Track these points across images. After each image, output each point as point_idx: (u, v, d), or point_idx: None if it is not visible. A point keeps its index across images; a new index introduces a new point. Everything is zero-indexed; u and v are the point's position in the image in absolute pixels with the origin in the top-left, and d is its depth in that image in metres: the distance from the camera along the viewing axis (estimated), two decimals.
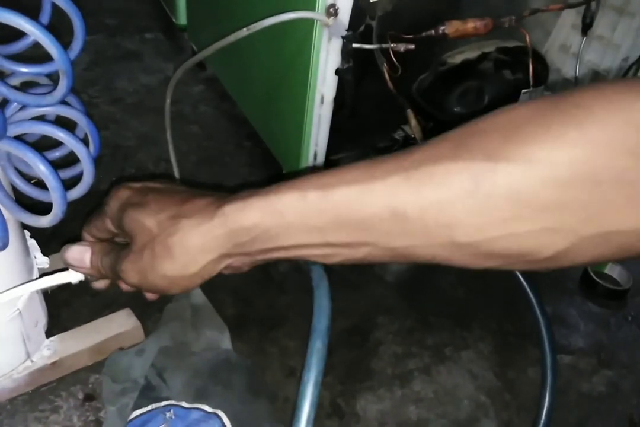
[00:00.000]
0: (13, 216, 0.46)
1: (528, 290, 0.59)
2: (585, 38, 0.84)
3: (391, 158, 0.33)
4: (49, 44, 0.40)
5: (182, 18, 1.02)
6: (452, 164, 0.30)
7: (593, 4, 0.82)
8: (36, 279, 0.52)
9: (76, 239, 0.52)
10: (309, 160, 0.74)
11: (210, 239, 0.36)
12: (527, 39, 0.72)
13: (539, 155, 0.28)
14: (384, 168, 0.32)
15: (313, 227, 0.33)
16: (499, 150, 0.29)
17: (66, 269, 0.51)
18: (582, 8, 0.82)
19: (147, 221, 0.38)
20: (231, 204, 0.35)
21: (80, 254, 0.44)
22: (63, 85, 0.43)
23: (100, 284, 0.49)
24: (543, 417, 0.53)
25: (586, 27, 0.84)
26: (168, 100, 0.70)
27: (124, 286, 0.48)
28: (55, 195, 0.43)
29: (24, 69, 0.48)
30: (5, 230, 0.43)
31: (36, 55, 0.46)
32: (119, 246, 0.42)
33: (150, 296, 0.48)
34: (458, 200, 0.29)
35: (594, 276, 0.69)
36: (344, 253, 0.34)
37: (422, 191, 0.30)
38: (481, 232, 0.30)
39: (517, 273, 0.59)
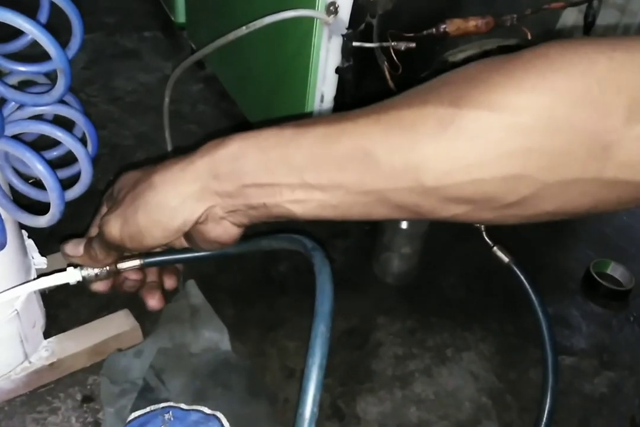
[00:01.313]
0: (10, 215, 0.46)
1: (530, 290, 0.59)
2: (587, 37, 0.83)
3: (365, 107, 0.34)
4: (47, 43, 0.39)
5: (180, 16, 1.02)
6: (420, 109, 0.31)
7: (595, 3, 0.82)
8: (34, 279, 0.52)
9: (75, 238, 0.52)
10: None
11: (191, 169, 0.37)
12: (529, 38, 0.72)
13: (502, 102, 0.29)
14: (357, 112, 0.34)
15: (289, 164, 0.34)
16: (465, 97, 0.30)
17: (64, 269, 0.50)
18: (584, 7, 0.82)
19: (131, 173, 0.42)
20: (211, 141, 0.37)
21: (76, 244, 0.47)
22: (61, 84, 0.42)
23: (99, 286, 0.49)
24: (544, 419, 0.52)
25: (588, 26, 0.83)
26: (167, 99, 0.69)
27: (125, 287, 0.47)
28: (53, 195, 0.42)
29: (21, 68, 0.48)
30: (3, 230, 0.43)
31: (34, 54, 0.45)
32: None
33: (152, 304, 0.48)
34: (425, 144, 0.30)
35: (596, 276, 0.69)
36: (318, 198, 0.35)
37: (390, 133, 0.31)
38: (447, 176, 0.31)
39: (519, 273, 0.59)
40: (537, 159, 0.29)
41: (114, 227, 0.40)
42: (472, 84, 0.30)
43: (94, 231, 0.47)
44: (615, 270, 0.71)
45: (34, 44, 0.42)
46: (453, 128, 0.30)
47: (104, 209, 0.48)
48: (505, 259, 0.58)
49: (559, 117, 0.28)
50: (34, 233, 0.55)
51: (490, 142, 0.29)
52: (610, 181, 0.28)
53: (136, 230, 0.39)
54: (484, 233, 0.59)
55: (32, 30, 0.39)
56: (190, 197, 0.37)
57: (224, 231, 0.41)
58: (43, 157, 0.42)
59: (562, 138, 0.28)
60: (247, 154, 0.35)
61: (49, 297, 0.59)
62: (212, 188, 0.36)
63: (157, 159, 0.82)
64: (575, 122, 0.28)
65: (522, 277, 0.60)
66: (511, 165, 0.29)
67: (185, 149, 0.41)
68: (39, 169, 0.42)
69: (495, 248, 0.59)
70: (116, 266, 0.50)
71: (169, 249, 0.53)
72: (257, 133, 0.36)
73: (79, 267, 0.50)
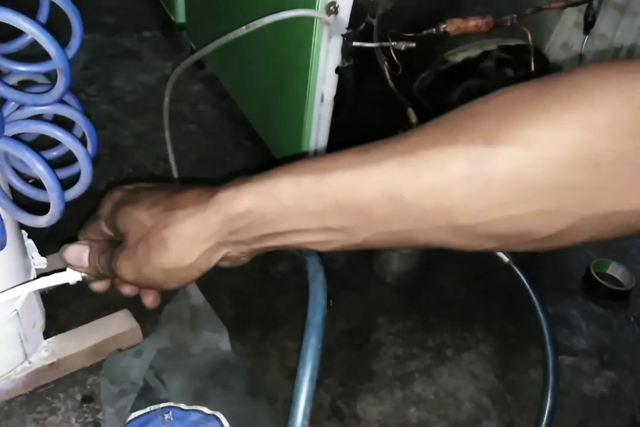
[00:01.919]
0: (10, 215, 0.46)
1: (530, 291, 0.58)
2: (587, 37, 0.83)
3: (386, 143, 0.32)
4: (47, 43, 0.39)
5: (180, 16, 1.01)
6: (449, 147, 0.30)
7: (595, 3, 0.81)
8: (34, 279, 0.52)
9: (74, 239, 0.52)
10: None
11: (205, 227, 0.35)
12: (529, 38, 0.72)
13: (538, 138, 0.28)
14: (379, 153, 0.32)
15: (309, 212, 0.33)
16: (496, 133, 0.29)
17: (64, 269, 0.50)
18: (584, 6, 0.82)
19: (140, 215, 0.37)
20: (224, 192, 0.35)
21: (78, 253, 0.44)
22: (61, 84, 0.42)
23: (99, 286, 0.49)
24: (545, 419, 0.52)
25: (588, 26, 0.83)
26: (166, 99, 0.69)
27: (125, 290, 0.47)
28: (53, 195, 0.42)
29: (21, 68, 0.48)
30: (3, 230, 0.43)
31: (34, 54, 0.45)
32: (115, 244, 0.42)
33: (149, 303, 0.48)
34: (456, 185, 0.29)
35: (596, 276, 0.69)
36: (341, 239, 0.34)
37: (419, 176, 0.30)
38: (480, 215, 0.30)
39: (520, 273, 0.59)
40: (575, 194, 0.28)
41: (129, 274, 0.39)
42: (504, 120, 0.29)
43: (89, 235, 0.46)
44: (616, 270, 0.71)
45: (34, 43, 0.42)
46: (486, 168, 0.29)
47: (93, 225, 0.45)
48: (506, 258, 0.58)
49: (599, 152, 0.27)
50: (33, 233, 0.55)
51: (526, 179, 0.28)
52: None
53: (150, 281, 0.38)
54: None
55: (31, 30, 0.39)
56: (206, 253, 0.35)
57: (235, 262, 0.40)
58: (43, 157, 0.42)
59: (603, 172, 0.27)
60: (263, 207, 0.34)
61: (48, 297, 0.59)
62: (229, 240, 0.36)
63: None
64: (617, 156, 0.27)
65: (522, 277, 0.60)
66: (548, 201, 0.28)
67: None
68: (39, 169, 0.42)
69: None
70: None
71: None
72: (272, 183, 0.34)
73: None
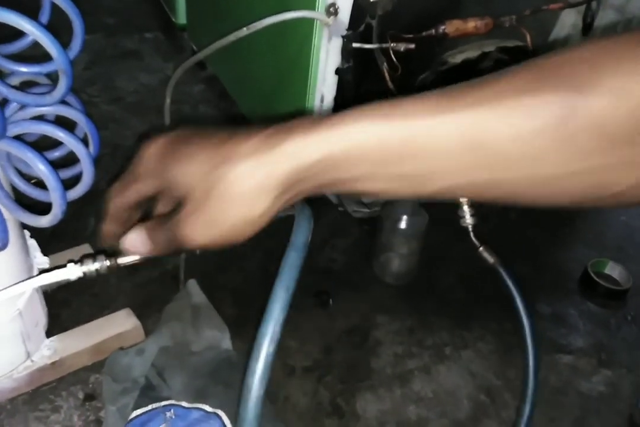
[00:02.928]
0: (13, 215, 0.46)
1: (513, 292, 0.57)
2: (586, 38, 0.84)
3: (470, 88, 0.32)
4: (48, 44, 0.40)
5: (181, 17, 1.02)
6: (539, 95, 0.29)
7: (594, 4, 0.82)
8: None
9: (74, 243, 0.52)
10: None
11: (274, 176, 0.33)
12: (528, 39, 0.72)
13: (630, 88, 0.28)
14: (465, 98, 0.31)
15: (388, 158, 0.32)
16: (588, 81, 0.29)
17: (64, 266, 0.50)
18: (582, 8, 0.82)
19: (199, 170, 0.34)
20: (292, 140, 0.33)
21: (138, 239, 0.39)
22: (62, 84, 0.43)
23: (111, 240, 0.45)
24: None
25: (587, 27, 0.84)
26: (168, 100, 0.69)
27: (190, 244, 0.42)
28: (55, 195, 0.43)
29: (23, 69, 0.48)
30: (5, 230, 0.43)
31: (36, 54, 0.46)
32: (161, 216, 0.38)
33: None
34: (545, 133, 0.29)
35: (593, 275, 0.69)
36: (414, 187, 0.33)
37: (508, 123, 0.30)
38: (565, 165, 0.30)
39: (503, 274, 0.58)
40: None
41: (199, 237, 0.35)
42: (596, 68, 0.29)
43: (115, 208, 0.40)
44: (613, 269, 0.71)
45: (36, 44, 0.42)
46: (577, 115, 0.29)
47: (130, 187, 0.39)
48: (491, 259, 0.58)
49: None
50: (36, 233, 0.56)
51: (611, 128, 0.28)
52: None
53: (225, 239, 0.35)
54: (471, 233, 0.59)
55: (33, 31, 0.39)
56: (273, 202, 0.34)
57: (286, 206, 0.39)
58: (45, 158, 0.42)
59: None
60: (337, 154, 0.32)
61: (51, 296, 0.59)
62: (296, 188, 0.34)
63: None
64: None
65: (506, 279, 0.58)
66: (626, 152, 0.29)
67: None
68: (41, 169, 0.42)
69: (481, 249, 0.58)
70: (116, 261, 0.51)
71: None
72: (349, 128, 0.32)
73: (79, 263, 0.50)
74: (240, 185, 0.33)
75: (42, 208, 0.46)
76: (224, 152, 0.34)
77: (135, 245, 0.39)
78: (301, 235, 0.36)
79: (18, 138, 0.44)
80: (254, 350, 0.32)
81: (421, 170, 0.32)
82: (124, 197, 0.38)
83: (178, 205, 0.36)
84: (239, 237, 0.35)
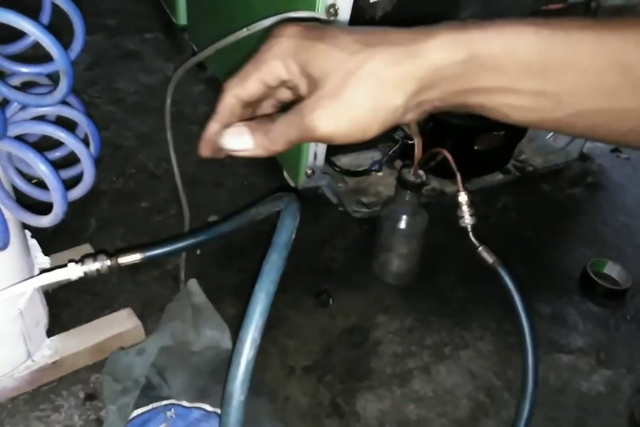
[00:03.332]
0: (14, 215, 0.46)
1: (513, 293, 0.57)
2: None
3: (611, 21, 0.31)
4: (49, 44, 0.40)
5: (182, 18, 1.02)
6: None
7: (593, 4, 0.82)
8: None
9: (75, 243, 0.52)
10: (309, 160, 0.74)
11: (415, 70, 0.32)
12: None
13: None
14: (615, 25, 0.30)
15: (533, 70, 0.31)
16: None
17: (65, 265, 0.51)
18: (582, 9, 0.83)
19: (342, 53, 0.32)
20: (440, 36, 0.32)
21: (244, 132, 0.36)
22: (63, 85, 0.43)
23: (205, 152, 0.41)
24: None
25: None
26: (168, 101, 0.70)
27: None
28: (56, 196, 0.43)
29: (24, 69, 0.48)
30: (6, 230, 0.43)
31: (37, 55, 0.46)
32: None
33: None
34: None
35: (593, 275, 0.69)
36: (546, 108, 0.32)
37: None
38: None
39: (503, 274, 0.58)
40: None
41: (329, 124, 0.33)
42: None
43: (234, 94, 0.37)
44: (612, 269, 0.71)
45: (37, 45, 0.42)
46: None
47: (262, 69, 0.36)
48: (490, 259, 0.58)
49: None
50: (37, 233, 0.56)
51: None
52: None
53: (355, 130, 0.33)
54: (470, 233, 0.59)
55: (34, 32, 0.39)
56: (406, 100, 0.32)
57: (406, 119, 0.36)
58: (46, 158, 0.43)
59: None
60: (484, 56, 0.31)
61: (52, 296, 0.60)
62: (430, 94, 0.33)
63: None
64: None
65: (504, 278, 0.58)
66: None
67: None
68: (42, 169, 0.42)
69: (480, 249, 0.58)
70: (117, 261, 0.51)
71: (168, 240, 0.52)
72: (506, 31, 0.31)
73: (80, 263, 0.51)
74: (384, 72, 0.32)
75: (43, 208, 0.46)
76: (371, 39, 0.33)
77: (241, 139, 0.35)
78: (284, 234, 0.36)
79: (19, 138, 0.45)
80: (233, 356, 0.33)
81: (563, 88, 0.31)
82: (242, 88, 0.36)
83: (302, 97, 0.33)
84: (365, 131, 0.33)
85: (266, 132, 0.35)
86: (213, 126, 0.38)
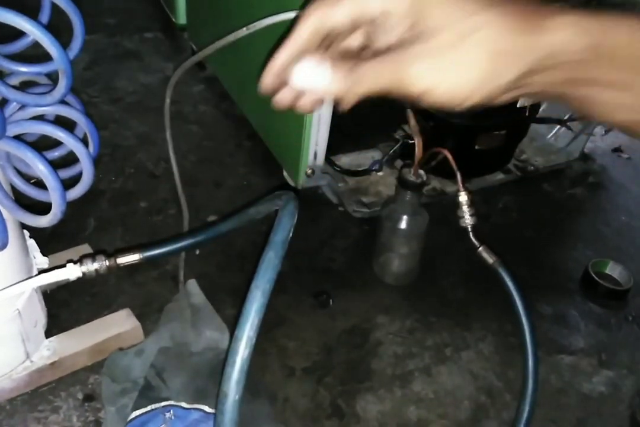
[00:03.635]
0: (12, 215, 0.46)
1: (513, 292, 0.57)
2: None
3: None
4: (48, 44, 0.40)
5: (181, 18, 1.02)
6: None
7: (593, 4, 0.82)
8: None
9: (74, 243, 0.52)
10: (309, 160, 0.74)
11: (531, 50, 0.29)
12: None
13: None
14: None
15: None
16: None
17: (64, 266, 0.50)
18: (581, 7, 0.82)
19: (462, 9, 0.29)
20: (564, 17, 0.29)
21: (321, 66, 0.31)
22: (62, 84, 0.43)
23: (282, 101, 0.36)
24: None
25: None
26: (168, 100, 0.69)
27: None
28: (54, 195, 0.43)
29: (23, 69, 0.48)
30: (5, 230, 0.43)
31: (35, 54, 0.46)
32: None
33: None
34: None
35: (594, 276, 0.69)
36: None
37: None
38: None
39: (503, 275, 0.57)
40: None
41: (426, 79, 0.30)
42: None
43: (288, 54, 0.32)
44: (614, 270, 0.71)
45: (36, 44, 0.42)
46: None
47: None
48: (490, 260, 0.57)
49: None
50: (35, 233, 0.56)
51: None
52: None
53: (452, 93, 0.31)
54: (470, 234, 0.58)
55: (33, 31, 0.39)
56: (514, 79, 0.30)
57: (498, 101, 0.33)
58: (45, 158, 0.42)
59: None
60: (608, 46, 0.29)
61: (50, 296, 0.59)
62: (535, 79, 0.30)
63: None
64: None
65: (505, 278, 0.58)
66: None
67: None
68: (41, 169, 0.42)
69: (480, 249, 0.58)
70: (115, 261, 0.51)
71: (167, 240, 0.52)
72: (617, 26, 0.29)
73: (78, 263, 0.50)
74: (501, 42, 0.29)
75: (41, 208, 0.46)
76: (493, 2, 0.29)
77: (318, 72, 0.31)
78: (281, 232, 0.36)
79: (17, 138, 0.44)
80: (229, 355, 0.32)
81: None
82: (332, 12, 0.31)
83: (402, 41, 0.30)
84: (465, 98, 0.31)
85: (351, 70, 0.30)
86: (285, 54, 0.32)
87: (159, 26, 1.12)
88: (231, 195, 0.78)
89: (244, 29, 0.61)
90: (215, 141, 0.87)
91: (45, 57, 0.43)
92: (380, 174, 0.82)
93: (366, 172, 0.81)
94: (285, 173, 0.80)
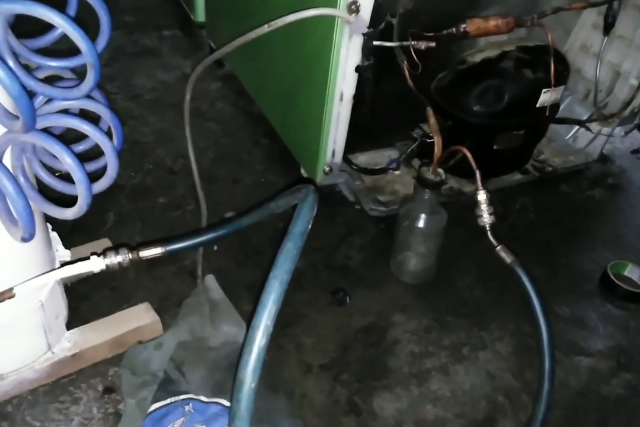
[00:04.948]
0: (39, 207, 0.46)
1: (531, 292, 0.56)
2: (606, 38, 0.83)
3: None
4: (78, 38, 0.40)
5: (200, 15, 1.02)
6: None
7: (615, 4, 0.81)
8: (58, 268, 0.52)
9: (94, 237, 0.52)
10: (327, 158, 0.74)
11: None
12: (549, 38, 0.72)
13: None
14: None
15: None
16: None
17: (87, 258, 0.51)
18: (603, 8, 0.82)
19: None
20: None
21: None
22: (90, 78, 0.43)
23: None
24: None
25: (608, 27, 0.83)
26: (187, 97, 0.70)
27: None
28: (81, 188, 0.43)
29: (52, 63, 0.48)
30: (32, 221, 0.44)
31: (54, 50, 0.46)
32: None
33: None
34: None
35: (613, 278, 0.69)
36: None
37: None
38: None
39: (521, 274, 0.57)
40: None
41: None
42: None
43: None
44: (633, 272, 0.70)
45: (58, 39, 0.42)
46: None
47: None
48: (508, 259, 0.57)
49: None
50: (56, 227, 0.56)
51: None
52: None
53: None
54: (488, 233, 0.58)
55: (63, 25, 0.39)
56: None
57: None
58: (72, 151, 0.43)
59: None
60: None
61: (71, 290, 0.60)
62: None
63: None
64: None
65: (522, 278, 0.57)
66: None
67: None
68: (68, 162, 0.42)
69: (498, 248, 0.57)
70: (138, 254, 0.51)
71: (190, 234, 0.52)
72: None
73: (102, 256, 0.51)
74: None
75: (63, 201, 0.46)
76: None
77: None
78: (300, 223, 0.36)
79: (44, 131, 0.45)
80: (246, 343, 0.32)
81: None
82: None
83: None
84: None
85: None
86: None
87: (178, 24, 1.12)
88: (249, 192, 0.78)
89: (265, 26, 0.61)
90: (233, 138, 0.88)
91: (68, 53, 0.43)
92: (397, 172, 0.82)
93: (383, 170, 0.81)
94: (302, 171, 0.80)
